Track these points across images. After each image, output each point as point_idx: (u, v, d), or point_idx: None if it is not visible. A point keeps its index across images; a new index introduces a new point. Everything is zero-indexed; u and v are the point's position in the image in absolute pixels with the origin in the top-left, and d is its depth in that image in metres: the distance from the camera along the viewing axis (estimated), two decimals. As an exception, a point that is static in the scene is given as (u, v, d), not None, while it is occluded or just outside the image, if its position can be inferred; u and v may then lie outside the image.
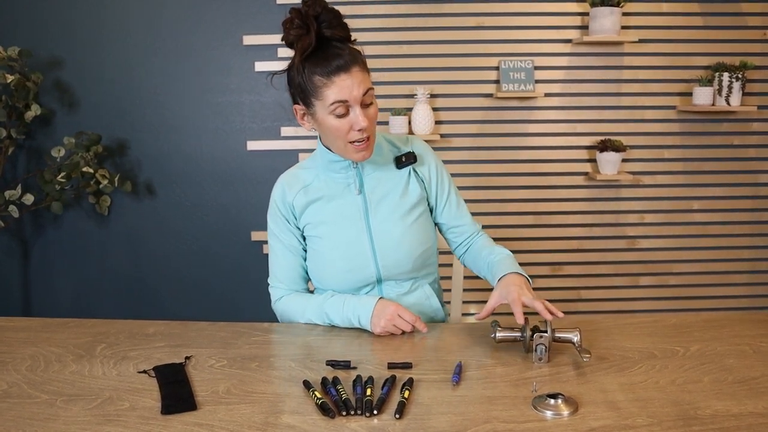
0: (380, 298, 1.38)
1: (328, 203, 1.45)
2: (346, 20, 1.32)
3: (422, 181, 1.50)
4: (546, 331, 1.19)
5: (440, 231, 1.61)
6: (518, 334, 1.23)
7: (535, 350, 1.19)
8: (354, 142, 1.34)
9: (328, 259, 1.45)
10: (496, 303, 1.33)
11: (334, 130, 1.32)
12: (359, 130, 1.32)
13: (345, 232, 1.44)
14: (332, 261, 1.44)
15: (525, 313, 1.24)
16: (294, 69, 1.33)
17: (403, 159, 1.47)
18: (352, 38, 1.33)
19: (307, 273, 1.52)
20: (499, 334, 1.23)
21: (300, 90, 1.33)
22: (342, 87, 1.28)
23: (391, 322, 1.33)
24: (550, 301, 1.27)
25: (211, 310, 2.98)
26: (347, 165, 1.43)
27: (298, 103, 1.37)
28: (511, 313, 1.26)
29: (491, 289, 1.40)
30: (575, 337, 1.20)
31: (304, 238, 1.50)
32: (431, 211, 1.54)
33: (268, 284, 1.53)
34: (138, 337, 1.34)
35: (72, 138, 2.67)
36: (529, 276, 1.43)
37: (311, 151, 2.82)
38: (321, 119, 1.33)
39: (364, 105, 1.32)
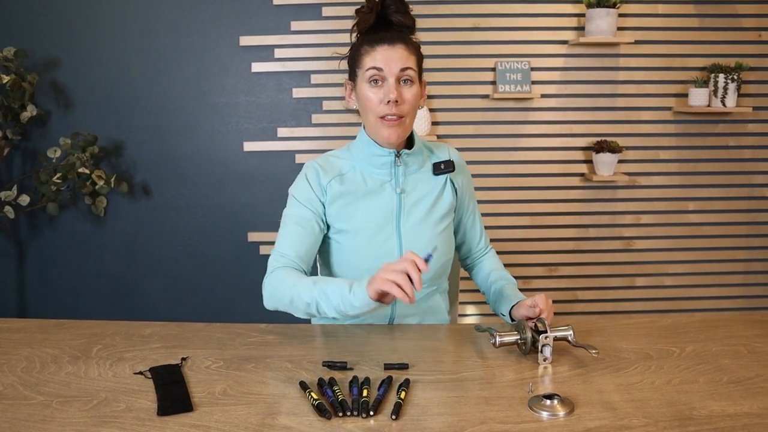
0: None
1: (361, 198, 1.41)
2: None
3: (455, 192, 1.49)
4: (546, 331, 1.19)
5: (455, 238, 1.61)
6: (518, 337, 1.22)
7: (542, 351, 1.19)
8: (384, 117, 1.34)
9: (353, 254, 1.41)
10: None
11: (366, 100, 1.35)
12: (388, 103, 1.32)
13: (375, 231, 1.40)
14: (356, 257, 1.41)
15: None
16: (353, 43, 1.40)
17: (442, 166, 1.45)
18: (415, 31, 1.40)
19: (314, 258, 1.44)
20: (499, 339, 1.22)
21: (350, 62, 1.40)
22: (382, 56, 1.32)
23: (400, 273, 1.11)
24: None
25: (208, 311, 2.98)
26: (389, 162, 1.41)
27: (349, 78, 1.42)
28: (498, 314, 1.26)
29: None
30: (570, 335, 1.21)
31: (328, 227, 1.44)
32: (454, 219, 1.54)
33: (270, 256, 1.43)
34: (134, 338, 1.34)
35: (68, 139, 2.67)
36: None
37: (309, 151, 2.85)
38: (359, 90, 1.37)
39: (401, 82, 1.34)
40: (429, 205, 1.44)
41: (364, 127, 1.43)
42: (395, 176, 1.42)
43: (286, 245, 1.39)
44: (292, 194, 1.45)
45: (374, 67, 1.32)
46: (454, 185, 1.48)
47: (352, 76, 1.39)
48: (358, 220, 1.41)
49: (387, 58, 1.32)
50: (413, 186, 1.43)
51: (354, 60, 1.38)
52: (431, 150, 1.50)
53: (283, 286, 1.32)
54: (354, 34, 1.41)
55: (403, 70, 1.33)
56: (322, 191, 1.41)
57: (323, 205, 1.42)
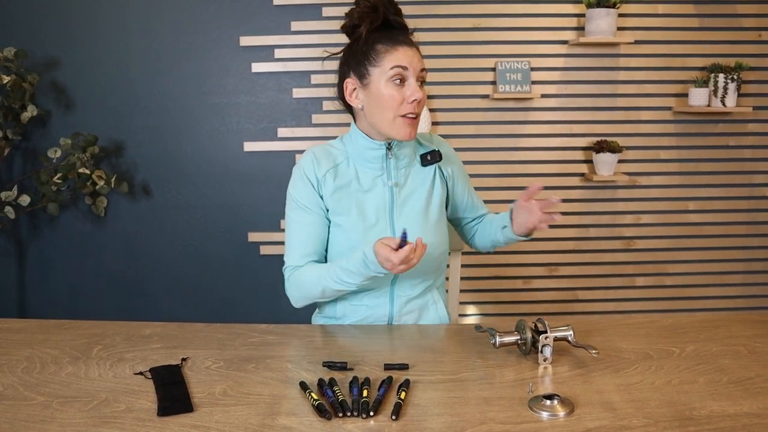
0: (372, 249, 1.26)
1: (354, 193, 1.42)
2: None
3: (446, 181, 1.50)
4: (546, 331, 1.19)
5: (458, 225, 1.62)
6: (518, 337, 1.23)
7: (542, 351, 1.19)
8: (405, 115, 1.35)
9: (346, 249, 1.40)
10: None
11: (387, 98, 1.34)
12: (412, 102, 1.34)
13: (368, 226, 1.41)
14: (350, 251, 1.39)
15: (520, 314, 1.24)
16: (357, 42, 1.38)
17: (429, 157, 1.46)
18: (410, 30, 1.41)
19: (325, 250, 1.46)
20: (499, 340, 1.23)
21: (357, 60, 1.37)
22: (405, 55, 1.34)
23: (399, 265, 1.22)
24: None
25: (208, 311, 2.97)
26: (381, 155, 1.41)
27: (350, 77, 1.39)
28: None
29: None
30: (570, 335, 1.21)
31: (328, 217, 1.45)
32: (447, 208, 1.55)
33: (284, 263, 1.45)
34: (134, 338, 1.34)
35: (68, 139, 2.67)
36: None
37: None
38: (375, 88, 1.35)
39: (419, 82, 1.36)
40: (421, 198, 1.45)
41: (354, 123, 1.43)
42: (387, 170, 1.43)
43: (297, 256, 1.43)
44: (293, 197, 1.44)
45: (400, 66, 1.33)
46: (443, 174, 1.50)
47: (362, 74, 1.37)
48: (352, 216, 1.42)
49: (410, 57, 1.34)
50: (405, 179, 1.45)
51: (366, 57, 1.35)
52: (419, 141, 1.51)
53: (308, 285, 1.40)
54: (363, 32, 1.36)
55: (422, 70, 1.36)
56: (319, 184, 1.42)
57: (322, 198, 1.43)
